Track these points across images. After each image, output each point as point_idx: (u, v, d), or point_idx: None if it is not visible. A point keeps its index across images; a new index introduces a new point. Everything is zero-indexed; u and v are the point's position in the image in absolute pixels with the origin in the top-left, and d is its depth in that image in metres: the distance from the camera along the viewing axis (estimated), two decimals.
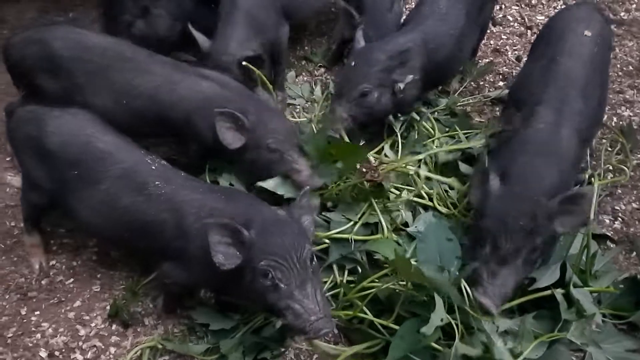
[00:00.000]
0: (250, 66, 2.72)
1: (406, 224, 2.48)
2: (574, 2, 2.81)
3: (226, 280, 2.01)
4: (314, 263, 1.95)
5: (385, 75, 2.70)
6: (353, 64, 2.76)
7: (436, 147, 2.75)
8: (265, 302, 1.92)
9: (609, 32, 2.73)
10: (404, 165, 2.59)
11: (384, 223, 2.41)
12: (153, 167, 2.22)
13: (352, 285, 2.26)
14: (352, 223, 2.41)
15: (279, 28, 3.11)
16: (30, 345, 2.29)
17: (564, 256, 2.24)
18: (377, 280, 2.18)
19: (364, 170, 2.44)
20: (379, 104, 2.71)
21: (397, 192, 2.56)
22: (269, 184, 2.46)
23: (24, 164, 2.41)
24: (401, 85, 2.69)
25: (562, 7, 2.82)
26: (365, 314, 2.14)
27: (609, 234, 2.61)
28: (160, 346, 2.24)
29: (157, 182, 2.17)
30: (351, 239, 2.36)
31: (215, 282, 2.13)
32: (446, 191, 2.57)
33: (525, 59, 3.48)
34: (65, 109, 2.37)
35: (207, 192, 2.18)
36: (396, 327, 2.07)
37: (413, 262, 2.08)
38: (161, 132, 2.72)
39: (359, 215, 2.44)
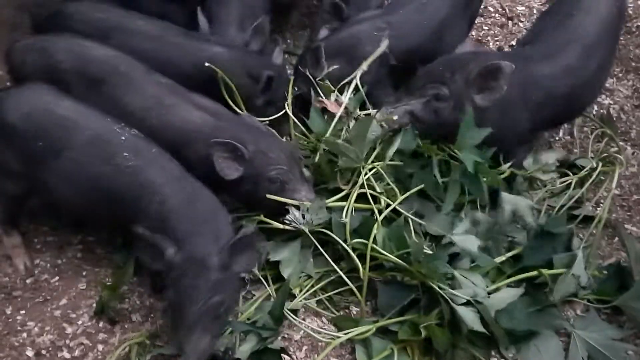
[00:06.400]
0: None
1: None
2: None
3: None
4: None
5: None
6: None
7: None
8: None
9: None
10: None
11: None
12: (123, 138, 2.19)
13: None
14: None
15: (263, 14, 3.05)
16: (17, 344, 2.27)
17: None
18: None
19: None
20: None
21: None
22: None
23: None
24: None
25: None
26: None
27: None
28: (148, 342, 2.22)
29: (125, 154, 2.15)
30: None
31: None
32: None
33: (507, 49, 3.54)
34: (22, 85, 2.37)
35: (177, 178, 2.19)
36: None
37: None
38: None
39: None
